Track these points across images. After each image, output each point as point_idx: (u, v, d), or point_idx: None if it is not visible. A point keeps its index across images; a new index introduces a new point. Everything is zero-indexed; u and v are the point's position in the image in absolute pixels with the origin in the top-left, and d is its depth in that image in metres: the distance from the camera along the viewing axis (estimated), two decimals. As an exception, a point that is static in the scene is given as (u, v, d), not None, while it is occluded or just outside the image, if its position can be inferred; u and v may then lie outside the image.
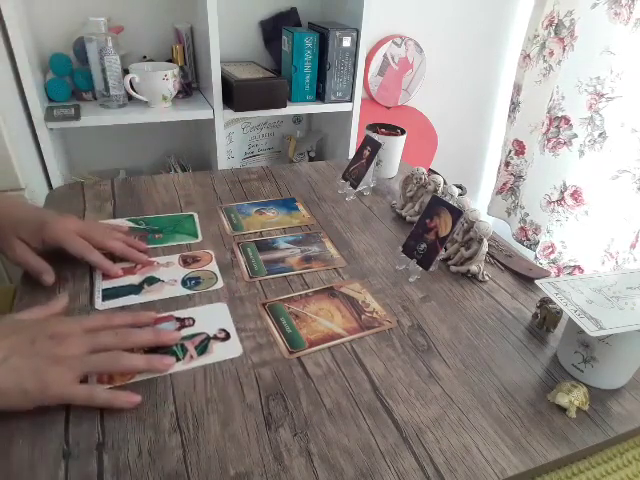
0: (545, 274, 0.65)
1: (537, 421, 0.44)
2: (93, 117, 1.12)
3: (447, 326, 0.55)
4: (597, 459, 0.43)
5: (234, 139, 1.49)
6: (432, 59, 1.66)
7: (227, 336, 0.51)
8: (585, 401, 0.45)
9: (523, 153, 1.73)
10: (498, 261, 0.69)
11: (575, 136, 1.49)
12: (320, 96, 1.35)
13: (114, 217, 0.72)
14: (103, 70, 1.12)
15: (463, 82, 1.78)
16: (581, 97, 1.44)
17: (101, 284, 0.57)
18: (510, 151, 1.75)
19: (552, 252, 1.64)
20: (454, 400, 0.46)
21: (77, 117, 1.09)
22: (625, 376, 0.48)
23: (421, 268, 0.62)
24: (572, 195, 1.54)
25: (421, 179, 0.75)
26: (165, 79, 1.16)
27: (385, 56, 1.59)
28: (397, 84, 1.65)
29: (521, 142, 1.72)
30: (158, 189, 0.81)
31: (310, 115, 1.60)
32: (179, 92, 1.26)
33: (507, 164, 1.78)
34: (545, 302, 0.55)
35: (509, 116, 1.74)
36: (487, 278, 0.65)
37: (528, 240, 1.71)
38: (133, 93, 1.16)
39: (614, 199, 1.49)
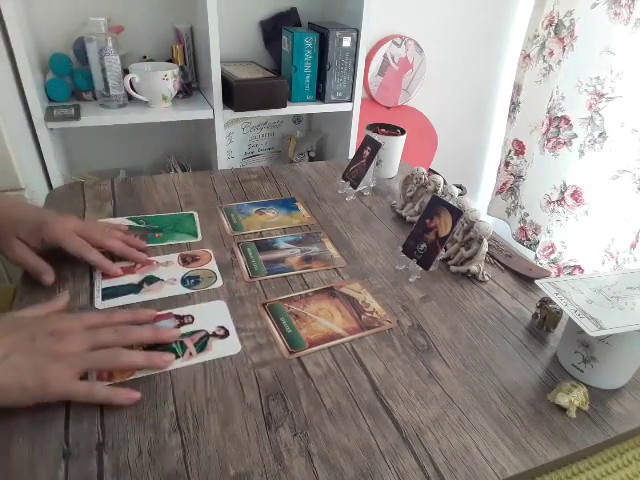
0: (545, 274, 0.65)
1: (537, 421, 0.44)
2: (93, 117, 1.12)
3: (447, 326, 0.55)
4: (597, 459, 0.43)
5: (234, 139, 1.49)
6: (432, 59, 1.66)
7: (226, 333, 0.51)
8: (585, 401, 0.45)
9: (523, 153, 1.73)
10: (498, 261, 0.69)
11: (575, 136, 1.49)
12: (320, 96, 1.35)
13: (114, 217, 0.72)
14: (103, 70, 1.12)
15: (463, 82, 1.78)
16: (581, 97, 1.44)
17: (101, 283, 0.57)
18: (510, 151, 1.76)
19: (552, 252, 1.64)
20: (454, 400, 0.46)
21: (77, 117, 1.09)
22: (625, 376, 0.48)
23: (421, 268, 0.62)
24: (572, 195, 1.54)
25: (421, 179, 0.75)
26: (165, 79, 1.16)
27: (385, 56, 1.59)
28: (397, 84, 1.65)
29: (521, 142, 1.72)
30: (158, 189, 0.81)
31: (310, 115, 1.60)
32: (179, 92, 1.26)
33: (507, 164, 1.78)
34: (545, 302, 0.55)
35: (509, 116, 1.74)
36: (487, 278, 0.65)
37: (528, 240, 1.71)
38: (133, 93, 1.16)
39: (614, 199, 1.49)
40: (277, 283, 0.60)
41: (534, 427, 0.43)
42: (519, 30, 1.70)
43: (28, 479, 0.36)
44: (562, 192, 1.56)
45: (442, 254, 0.67)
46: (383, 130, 0.91)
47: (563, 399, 0.45)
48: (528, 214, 1.69)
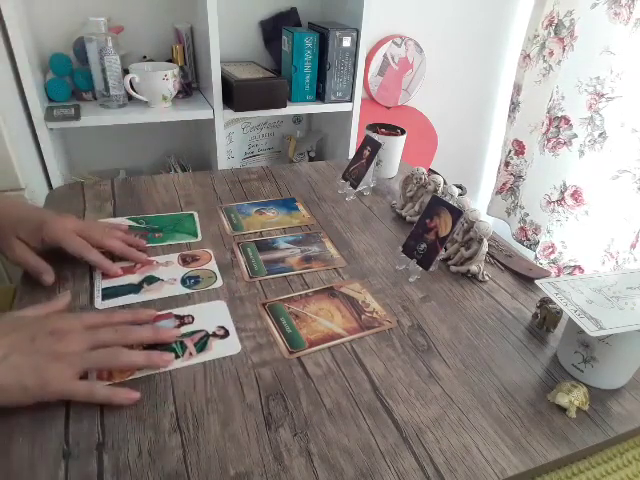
0: (545, 274, 0.65)
1: (537, 421, 0.44)
2: (93, 117, 1.12)
3: (447, 326, 0.55)
4: (597, 459, 0.43)
5: (234, 139, 1.49)
6: (432, 59, 1.66)
7: (226, 333, 0.51)
8: (585, 401, 0.45)
9: (523, 153, 1.73)
10: (498, 261, 0.69)
11: (575, 136, 1.49)
12: (320, 96, 1.35)
13: (114, 217, 0.72)
14: (103, 70, 1.12)
15: (463, 82, 1.78)
16: (581, 97, 1.44)
17: (101, 283, 0.57)
18: (510, 151, 1.76)
19: (552, 252, 1.64)
20: (454, 400, 0.46)
21: (77, 117, 1.09)
22: (625, 376, 0.48)
23: (421, 268, 0.62)
24: (572, 195, 1.54)
25: (421, 179, 0.75)
26: (165, 79, 1.16)
27: (385, 56, 1.59)
28: (397, 84, 1.65)
29: (521, 142, 1.72)
30: (158, 189, 0.81)
31: (310, 115, 1.60)
32: (179, 92, 1.26)
33: (507, 164, 1.78)
34: (545, 302, 0.55)
35: (509, 116, 1.74)
36: (487, 278, 0.65)
37: (528, 240, 1.71)
38: (133, 93, 1.16)
39: (614, 199, 1.49)
40: (277, 283, 0.60)
41: (534, 427, 0.43)
42: (519, 30, 1.70)
43: (28, 479, 0.36)
44: (562, 192, 1.56)
45: (442, 254, 0.67)
46: (383, 130, 0.91)
47: (563, 399, 0.45)
48: (528, 214, 1.69)
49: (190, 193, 0.81)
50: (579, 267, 1.63)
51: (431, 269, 0.62)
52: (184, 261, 0.63)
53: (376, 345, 0.52)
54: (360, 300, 0.58)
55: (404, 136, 0.90)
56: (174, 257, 0.64)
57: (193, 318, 0.53)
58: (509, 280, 0.65)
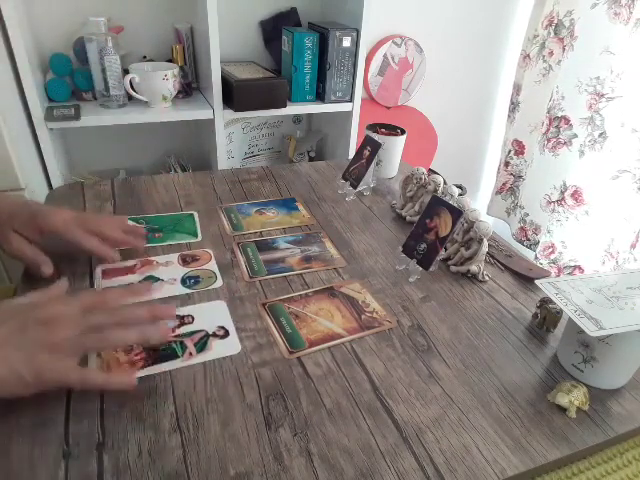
0: (545, 274, 0.65)
1: (537, 421, 0.44)
2: (93, 117, 1.12)
3: (447, 326, 0.55)
4: (597, 459, 0.43)
5: (234, 139, 1.49)
6: (432, 59, 1.66)
7: (226, 333, 0.51)
8: (585, 401, 0.45)
9: (523, 153, 1.73)
10: (498, 261, 0.69)
11: (575, 136, 1.49)
12: (320, 96, 1.35)
13: (114, 217, 0.72)
14: (103, 70, 1.12)
15: (463, 82, 1.78)
16: (581, 97, 1.43)
17: (101, 283, 0.57)
18: (510, 151, 1.76)
19: (552, 252, 1.64)
20: (454, 400, 0.46)
21: (77, 117, 1.09)
22: (625, 376, 0.48)
23: (421, 268, 0.62)
24: (572, 195, 1.54)
25: (421, 179, 0.75)
26: (165, 79, 1.16)
27: (385, 56, 1.58)
28: (397, 84, 1.65)
29: (521, 142, 1.72)
30: (158, 189, 0.81)
31: (310, 115, 1.60)
32: (179, 92, 1.26)
33: (507, 164, 1.78)
34: (545, 302, 0.55)
35: (509, 116, 1.74)
36: (487, 278, 0.65)
37: (528, 240, 1.71)
38: (133, 93, 1.16)
39: (614, 199, 1.49)
40: (277, 283, 0.60)
41: (534, 427, 0.43)
42: (519, 30, 1.70)
43: (28, 479, 0.36)
44: (562, 192, 1.55)
45: (442, 254, 0.67)
46: (383, 130, 0.91)
47: (563, 399, 0.45)
48: (528, 214, 1.69)
49: (190, 193, 0.81)
50: (579, 267, 1.63)
51: (431, 269, 0.62)
52: (184, 261, 0.63)
53: (376, 345, 0.52)
54: (360, 300, 0.58)
55: (404, 136, 0.90)
56: (174, 257, 0.64)
57: (193, 318, 0.53)
58: (509, 280, 0.65)
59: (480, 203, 2.02)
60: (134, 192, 0.80)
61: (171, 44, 1.29)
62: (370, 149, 0.81)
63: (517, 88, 1.67)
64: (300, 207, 0.80)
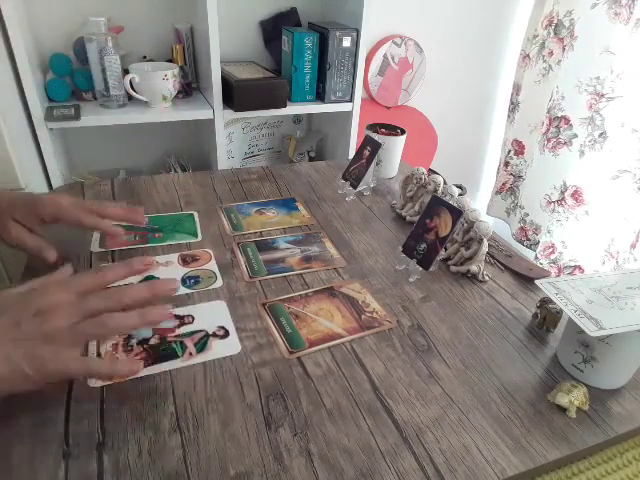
0: (545, 274, 0.65)
1: (537, 421, 0.44)
2: (93, 117, 1.12)
3: (447, 326, 0.55)
4: (597, 459, 0.43)
5: (234, 139, 1.49)
6: (432, 59, 1.66)
7: (226, 333, 0.51)
8: (585, 401, 0.45)
9: (523, 153, 1.73)
10: (498, 261, 0.69)
11: (575, 136, 1.49)
12: (320, 96, 1.35)
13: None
14: (103, 70, 1.12)
15: (463, 82, 1.78)
16: (581, 97, 1.43)
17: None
18: (510, 151, 1.75)
19: (552, 252, 1.64)
20: (454, 400, 0.46)
21: (77, 117, 1.09)
22: (625, 376, 0.48)
23: (421, 268, 0.62)
24: (572, 195, 1.54)
25: (421, 179, 0.75)
26: (165, 79, 1.16)
27: (385, 56, 1.59)
28: (397, 84, 1.65)
29: (521, 142, 1.72)
30: (158, 189, 0.81)
31: (310, 115, 1.60)
32: (179, 92, 1.26)
33: (507, 164, 1.78)
34: (545, 302, 0.55)
35: (509, 116, 1.74)
36: (487, 278, 0.65)
37: (528, 240, 1.71)
38: (133, 93, 1.16)
39: (614, 199, 1.49)
40: (277, 283, 0.60)
41: (534, 427, 0.43)
42: (519, 30, 1.70)
43: (28, 479, 0.36)
44: (562, 192, 1.55)
45: (442, 254, 0.67)
46: (383, 130, 0.91)
47: (563, 399, 0.45)
48: (528, 214, 1.69)
49: (190, 193, 0.81)
50: (579, 267, 1.63)
51: (431, 269, 0.62)
52: (184, 261, 0.63)
53: (376, 345, 0.52)
54: (360, 300, 0.58)
55: (404, 136, 0.90)
56: (174, 257, 0.64)
57: (193, 318, 0.53)
58: (509, 280, 0.65)
59: (480, 203, 2.02)
60: (134, 192, 0.80)
61: (171, 44, 1.29)
62: (370, 149, 0.81)
63: (517, 88, 1.67)
64: (300, 207, 0.80)
